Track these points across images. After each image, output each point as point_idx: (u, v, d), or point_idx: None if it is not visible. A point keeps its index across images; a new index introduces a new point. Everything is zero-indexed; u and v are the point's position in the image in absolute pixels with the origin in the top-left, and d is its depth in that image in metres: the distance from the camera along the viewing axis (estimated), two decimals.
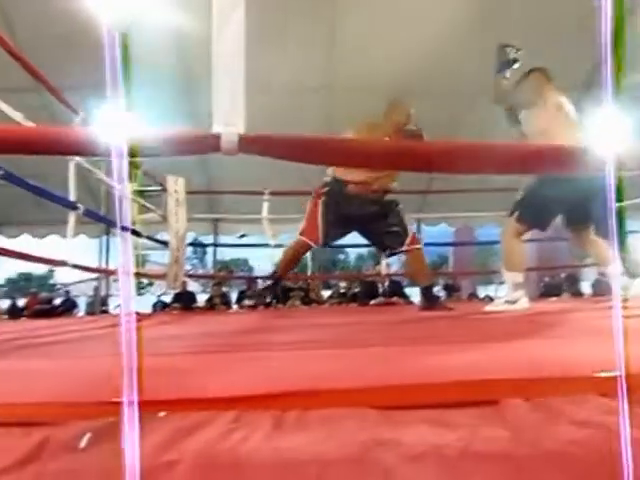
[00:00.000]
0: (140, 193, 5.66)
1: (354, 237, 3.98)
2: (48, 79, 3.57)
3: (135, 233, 5.09)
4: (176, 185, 5.32)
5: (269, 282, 4.05)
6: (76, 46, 5.98)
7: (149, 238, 5.43)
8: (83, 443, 0.56)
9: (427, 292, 3.76)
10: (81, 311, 9.92)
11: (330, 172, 3.60)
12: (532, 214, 3.11)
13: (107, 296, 9.46)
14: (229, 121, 1.28)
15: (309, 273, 7.64)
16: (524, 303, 3.06)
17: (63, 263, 3.73)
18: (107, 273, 7.36)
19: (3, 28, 6.24)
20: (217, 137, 1.27)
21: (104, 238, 8.53)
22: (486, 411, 0.60)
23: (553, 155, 1.44)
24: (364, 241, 4.06)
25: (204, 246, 11.59)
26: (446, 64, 7.00)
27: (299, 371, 0.94)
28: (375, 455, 0.51)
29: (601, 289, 7.47)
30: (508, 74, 3.24)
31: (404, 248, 3.62)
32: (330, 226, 3.59)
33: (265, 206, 6.27)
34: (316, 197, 3.63)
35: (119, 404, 0.63)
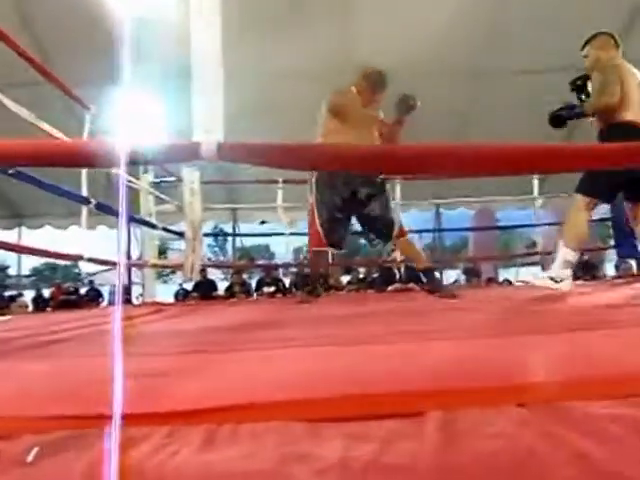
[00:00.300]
0: (156, 185, 5.75)
1: None
2: (65, 73, 3.66)
3: (150, 225, 5.18)
4: (191, 176, 5.39)
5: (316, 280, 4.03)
6: (93, 41, 6.06)
7: (165, 230, 5.52)
8: (30, 457, 0.61)
9: (428, 275, 3.78)
10: (105, 300, 10.12)
11: None
12: (599, 187, 3.05)
13: (130, 285, 9.62)
14: (209, 129, 1.32)
15: None
16: (567, 285, 3.01)
17: (79, 257, 3.83)
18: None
19: (20, 24, 6.36)
20: (197, 145, 1.31)
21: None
22: (405, 423, 0.64)
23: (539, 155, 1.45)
24: None
25: (225, 235, 11.67)
26: (464, 44, 6.95)
27: (265, 376, 0.98)
28: (289, 470, 0.55)
29: (623, 270, 7.37)
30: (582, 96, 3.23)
31: (393, 242, 3.71)
32: (331, 223, 3.62)
33: (280, 194, 6.30)
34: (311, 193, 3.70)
35: (76, 418, 0.67)
